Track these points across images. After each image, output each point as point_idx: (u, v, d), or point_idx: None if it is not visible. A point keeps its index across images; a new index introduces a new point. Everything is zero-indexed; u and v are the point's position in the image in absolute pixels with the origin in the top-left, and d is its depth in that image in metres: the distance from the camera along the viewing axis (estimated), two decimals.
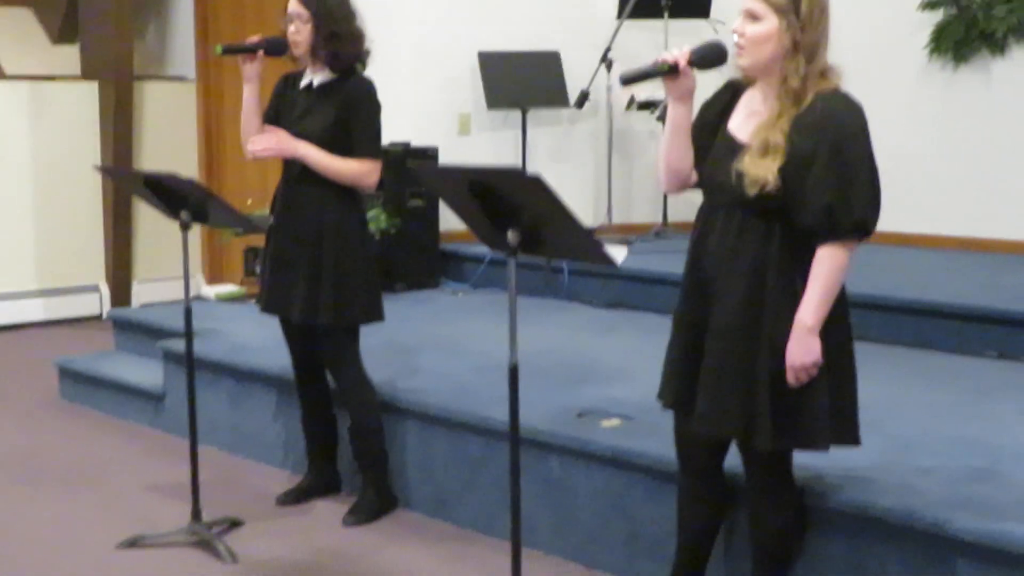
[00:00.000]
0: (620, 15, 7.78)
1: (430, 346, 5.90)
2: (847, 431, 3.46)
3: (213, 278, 9.22)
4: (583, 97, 7.60)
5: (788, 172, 3.26)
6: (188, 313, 4.65)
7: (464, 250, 7.58)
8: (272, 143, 4.69)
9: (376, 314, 4.84)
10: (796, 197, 3.27)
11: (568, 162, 8.39)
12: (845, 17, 7.57)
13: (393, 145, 7.41)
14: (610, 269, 6.68)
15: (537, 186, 3.21)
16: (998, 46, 7.13)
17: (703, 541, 3.77)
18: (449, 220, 7.19)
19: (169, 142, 9.30)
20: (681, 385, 3.50)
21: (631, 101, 7.93)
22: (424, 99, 7.90)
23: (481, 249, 7.03)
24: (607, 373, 5.32)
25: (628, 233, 8.13)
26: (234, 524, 4.77)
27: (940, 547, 3.47)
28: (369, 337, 4.91)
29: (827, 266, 3.29)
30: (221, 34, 9.20)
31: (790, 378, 3.31)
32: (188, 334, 4.68)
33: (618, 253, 3.33)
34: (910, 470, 3.92)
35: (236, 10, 9.14)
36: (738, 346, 3.37)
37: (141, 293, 9.12)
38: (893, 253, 7.19)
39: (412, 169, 3.75)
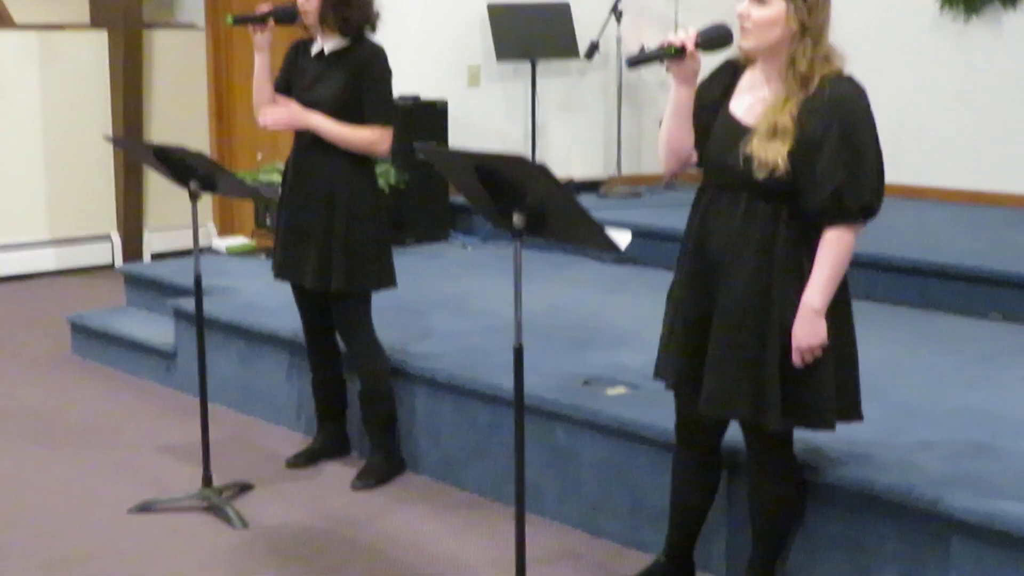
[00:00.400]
0: None
1: (439, 305, 5.95)
2: (851, 408, 3.53)
3: (224, 229, 9.26)
4: (593, 48, 7.61)
5: (797, 156, 3.30)
6: (198, 281, 4.72)
7: None
8: (283, 116, 4.73)
9: (388, 281, 4.89)
10: (805, 180, 3.31)
11: (578, 113, 8.42)
12: None
13: (402, 98, 7.42)
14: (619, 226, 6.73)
15: (542, 174, 3.26)
16: None
17: (698, 514, 3.84)
18: None
19: (179, 90, 9.31)
20: (685, 365, 3.55)
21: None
22: (433, 51, 7.90)
23: None
24: (614, 336, 5.37)
25: (638, 184, 8.16)
26: (244, 488, 4.84)
27: (937, 525, 3.52)
28: (379, 297, 4.95)
29: (835, 248, 3.34)
30: None
31: (796, 359, 3.37)
32: (198, 302, 4.76)
33: (621, 238, 3.35)
34: (910, 443, 3.97)
35: None
36: (747, 328, 3.42)
37: (153, 242, 9.16)
38: (903, 207, 7.20)
39: (419, 151, 3.79)
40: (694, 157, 3.60)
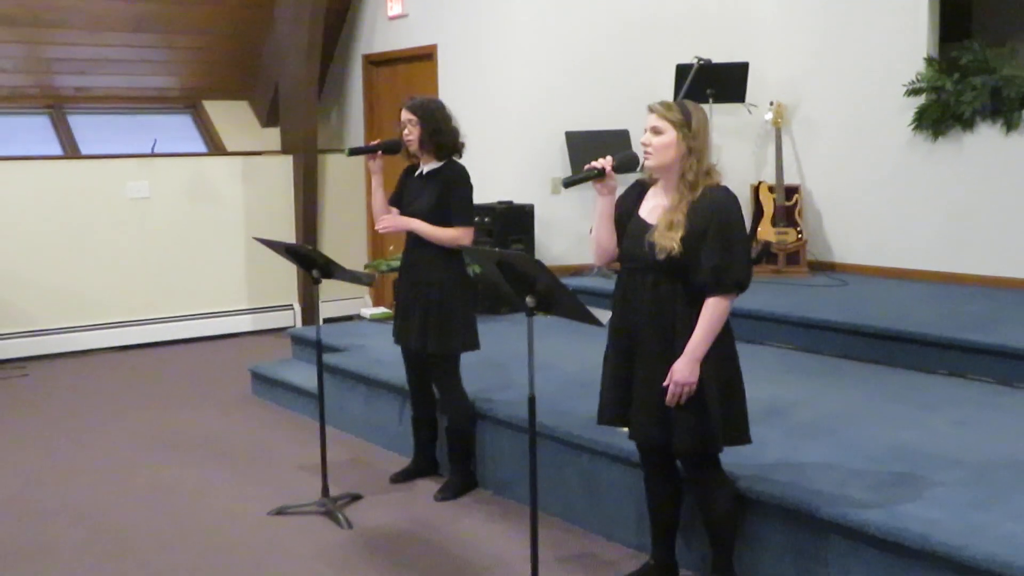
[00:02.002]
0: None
1: (517, 361, 5.93)
2: (739, 435, 3.52)
3: (377, 301, 9.43)
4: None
5: (687, 243, 3.37)
6: (319, 343, 4.84)
7: None
8: (390, 223, 4.84)
9: (472, 345, 4.91)
10: (692, 261, 3.37)
11: None
12: (854, 104, 7.50)
13: (500, 203, 7.52)
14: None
15: (541, 267, 3.31)
16: (967, 124, 6.93)
17: (668, 516, 3.81)
18: (543, 258, 7.24)
19: (345, 199, 9.56)
20: (618, 407, 3.60)
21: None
22: (524, 167, 7.96)
23: (567, 281, 7.06)
24: None
25: None
26: (355, 498, 4.91)
27: (856, 538, 3.44)
28: (473, 354, 5.00)
29: (711, 312, 3.38)
30: (382, 117, 9.44)
31: (673, 390, 3.38)
32: (319, 358, 4.87)
33: (602, 315, 3.40)
34: (846, 472, 3.87)
35: (392, 100, 9.36)
36: (657, 375, 3.44)
37: (325, 310, 9.35)
38: (883, 284, 7.08)
39: (463, 250, 3.87)
40: (616, 252, 3.64)
